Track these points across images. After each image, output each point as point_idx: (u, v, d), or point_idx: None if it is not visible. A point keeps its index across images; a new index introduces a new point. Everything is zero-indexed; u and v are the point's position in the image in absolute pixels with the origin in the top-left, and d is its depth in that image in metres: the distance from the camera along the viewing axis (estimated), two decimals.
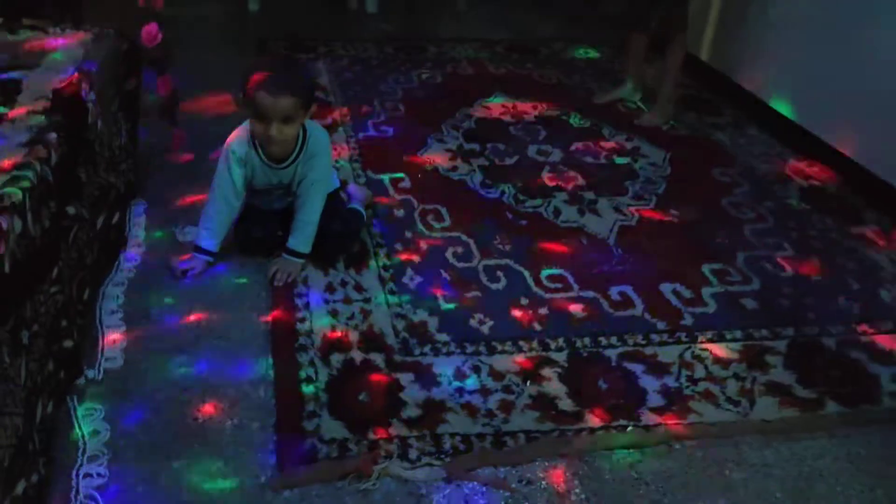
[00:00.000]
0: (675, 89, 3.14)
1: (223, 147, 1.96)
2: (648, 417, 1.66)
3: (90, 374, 1.65)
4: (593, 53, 3.86)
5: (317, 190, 2.00)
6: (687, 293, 2.08)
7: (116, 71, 2.12)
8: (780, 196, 2.63)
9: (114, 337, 1.76)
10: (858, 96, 2.67)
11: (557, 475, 1.51)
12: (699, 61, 3.58)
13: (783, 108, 3.06)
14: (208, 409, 1.60)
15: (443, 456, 1.53)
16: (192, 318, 1.85)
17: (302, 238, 2.00)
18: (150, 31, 2.01)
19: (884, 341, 1.95)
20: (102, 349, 1.72)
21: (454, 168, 2.65)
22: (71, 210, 1.64)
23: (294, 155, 1.95)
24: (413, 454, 1.52)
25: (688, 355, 1.86)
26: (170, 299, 1.90)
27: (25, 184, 1.40)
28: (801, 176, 2.78)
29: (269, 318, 1.86)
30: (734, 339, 1.92)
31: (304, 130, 1.95)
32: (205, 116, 2.79)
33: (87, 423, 1.54)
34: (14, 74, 1.84)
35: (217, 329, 1.82)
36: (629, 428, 1.63)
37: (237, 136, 1.95)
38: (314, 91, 2.01)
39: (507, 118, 3.07)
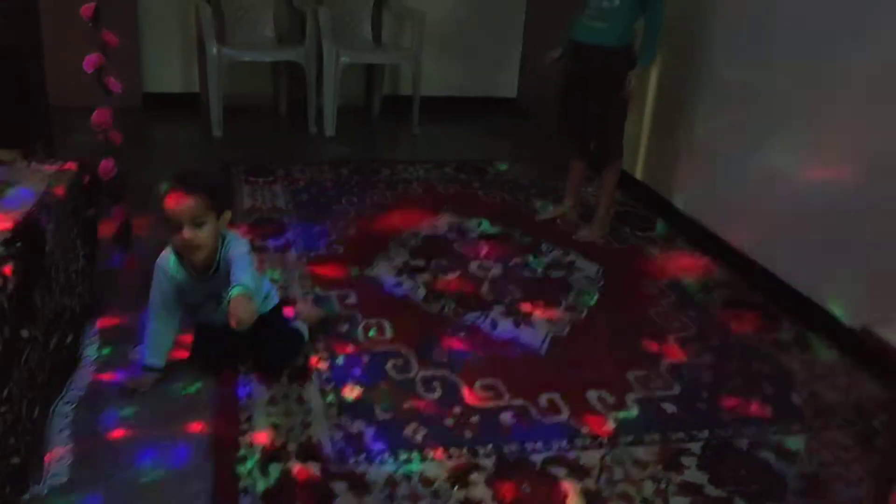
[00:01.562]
0: (610, 207, 3.38)
1: (155, 267, 2.08)
2: None
3: (34, 489, 1.73)
4: (533, 173, 4.12)
5: (239, 264, 1.98)
6: (611, 398, 2.22)
7: (77, 200, 2.28)
8: (702, 305, 2.82)
9: (60, 453, 1.85)
10: (771, 212, 2.92)
11: None
12: (634, 179, 3.84)
13: (705, 221, 3.31)
14: None
15: None
16: (138, 432, 1.94)
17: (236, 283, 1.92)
18: (107, 166, 2.19)
19: (792, 442, 2.08)
20: (49, 465, 1.80)
21: (399, 284, 2.81)
22: (24, 333, 1.76)
23: (216, 263, 2.05)
24: None
25: (608, 458, 1.97)
26: (118, 415, 2.00)
27: None
28: (726, 286, 2.98)
29: (210, 430, 1.96)
30: (653, 442, 2.05)
31: (223, 239, 2.05)
32: (160, 237, 2.95)
33: None
34: None
35: (162, 442, 1.91)
36: None
37: (164, 254, 2.07)
38: (222, 194, 2.10)
39: (452, 235, 3.27)
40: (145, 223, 2.89)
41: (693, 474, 1.94)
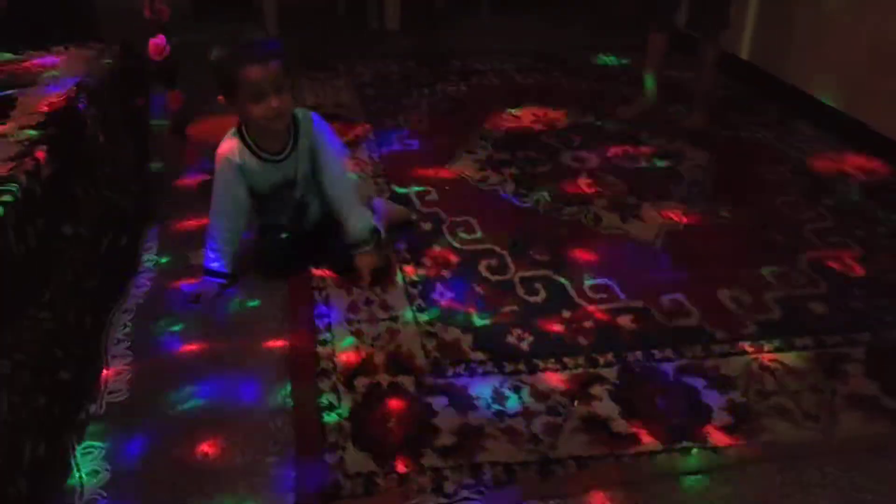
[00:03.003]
0: (714, 88, 2.95)
1: (216, 161, 1.82)
2: (715, 438, 1.46)
3: (91, 408, 1.50)
4: (622, 60, 3.69)
5: (332, 167, 1.86)
6: (747, 298, 1.88)
7: (122, 87, 2.00)
8: (839, 193, 2.42)
9: (119, 368, 1.61)
10: None
11: None
12: (739, 60, 3.39)
13: (832, 100, 2.86)
14: (219, 443, 1.43)
15: (483, 489, 1.34)
16: (204, 345, 1.70)
17: (353, 226, 1.86)
18: (158, 43, 1.90)
19: None
20: (106, 382, 1.57)
21: (484, 178, 2.48)
22: (66, 230, 1.50)
23: (290, 142, 1.82)
24: (449, 487, 1.34)
25: (755, 367, 1.65)
26: (180, 326, 1.75)
27: (7, 198, 1.26)
28: (861, 171, 2.56)
29: (286, 343, 1.70)
30: (805, 348, 1.71)
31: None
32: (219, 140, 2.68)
33: (86, 463, 1.38)
34: (9, 92, 1.73)
35: (230, 357, 1.66)
36: (694, 450, 1.43)
37: (228, 145, 1.81)
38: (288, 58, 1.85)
39: (537, 127, 2.91)
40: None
41: (861, 383, 1.60)
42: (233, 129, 1.82)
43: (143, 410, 1.51)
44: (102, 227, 1.74)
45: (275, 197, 1.87)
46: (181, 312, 1.79)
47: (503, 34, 4.15)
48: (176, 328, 1.74)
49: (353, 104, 3.09)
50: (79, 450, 1.41)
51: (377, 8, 4.21)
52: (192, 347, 1.69)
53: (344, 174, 1.90)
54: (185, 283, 1.87)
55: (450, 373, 1.62)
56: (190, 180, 2.35)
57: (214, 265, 1.85)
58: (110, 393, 1.54)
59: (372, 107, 3.05)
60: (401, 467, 1.37)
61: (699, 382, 1.60)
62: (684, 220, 2.24)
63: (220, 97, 1.73)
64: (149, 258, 2.00)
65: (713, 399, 1.56)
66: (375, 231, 1.93)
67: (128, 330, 1.73)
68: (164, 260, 2.00)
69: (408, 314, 1.80)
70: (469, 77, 3.44)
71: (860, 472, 1.39)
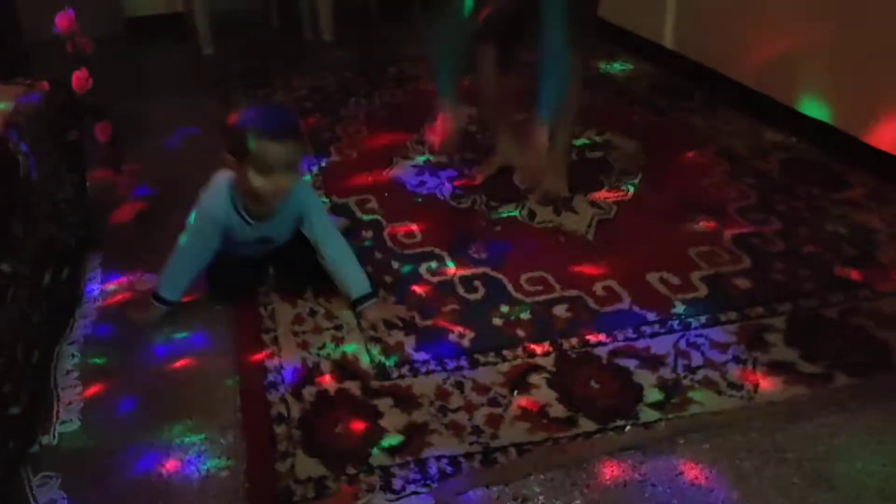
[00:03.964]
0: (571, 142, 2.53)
1: (196, 207, 1.79)
2: (647, 414, 1.54)
3: (44, 440, 1.53)
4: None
5: (327, 231, 1.87)
6: (675, 280, 1.97)
7: (54, 122, 2.02)
8: (759, 170, 2.53)
9: (69, 398, 1.65)
10: (825, 57, 2.59)
11: (555, 487, 1.39)
12: (664, 48, 3.50)
13: (750, 82, 2.98)
14: (173, 463, 1.48)
15: (429, 482, 1.41)
16: (153, 369, 1.74)
17: (355, 282, 1.86)
18: (80, 76, 1.91)
19: (887, 306, 1.84)
20: (57, 413, 1.61)
21: (422, 183, 2.55)
22: (5, 268, 1.53)
23: (278, 208, 1.80)
24: (397, 484, 1.40)
25: (683, 343, 1.74)
26: (129, 352, 1.79)
27: None
28: (780, 147, 2.68)
29: (235, 359, 1.75)
30: (729, 321, 1.81)
31: None
32: (160, 163, 2.71)
33: (43, 493, 1.42)
34: None
35: (180, 377, 1.71)
36: (627, 427, 1.51)
37: (214, 198, 1.77)
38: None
39: (472, 128, 2.98)
40: (140, 151, 2.66)
41: (782, 351, 1.70)
42: (222, 184, 1.77)
43: (95, 437, 1.54)
44: (44, 261, 1.76)
45: (246, 245, 1.88)
46: (129, 339, 1.83)
47: None
48: (126, 354, 1.78)
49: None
50: (35, 481, 1.44)
51: (311, 20, 4.25)
52: (141, 372, 1.72)
53: (338, 235, 1.89)
54: (132, 310, 1.90)
55: (394, 374, 1.68)
56: (127, 210, 2.38)
57: (166, 294, 1.86)
58: (62, 423, 1.58)
59: (310, 119, 3.09)
60: (350, 469, 1.43)
61: (631, 363, 1.69)
62: (615, 208, 2.33)
63: (226, 157, 1.70)
64: (93, 288, 2.02)
65: (645, 378, 1.64)
66: (373, 284, 1.92)
67: (76, 360, 1.76)
68: (113, 287, 2.03)
69: (352, 321, 1.85)
70: (406, 83, 3.50)
71: (782, 434, 1.49)
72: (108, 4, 4.25)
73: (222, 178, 1.79)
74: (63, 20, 1.89)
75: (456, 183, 2.51)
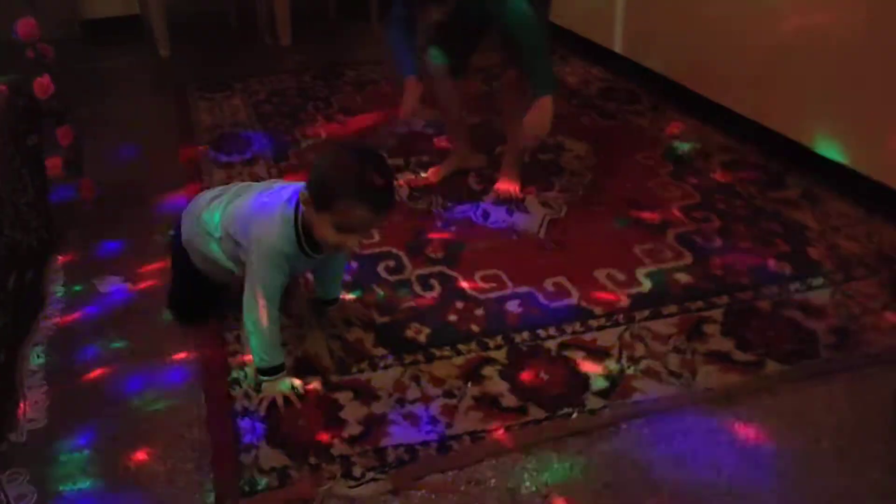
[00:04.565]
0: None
1: (261, 246, 1.61)
2: (593, 402, 1.64)
3: (12, 437, 1.57)
4: None
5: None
6: (621, 276, 2.08)
7: (14, 126, 2.05)
8: (701, 170, 2.66)
9: (36, 398, 1.69)
10: (759, 62, 2.73)
11: (505, 471, 1.48)
12: (614, 53, 3.63)
13: (696, 87, 3.11)
14: (140, 456, 1.54)
15: (387, 469, 1.48)
16: (118, 366, 1.78)
17: (333, 288, 1.92)
18: (43, 83, 1.95)
19: (816, 297, 1.97)
20: (24, 411, 1.65)
21: None
22: None
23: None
24: (357, 471, 1.48)
25: (627, 336, 1.85)
26: (93, 350, 1.83)
27: None
28: (722, 150, 2.82)
29: (198, 355, 1.81)
30: (671, 315, 1.92)
31: None
32: (118, 166, 2.75)
33: (13, 488, 1.46)
34: None
35: (145, 372, 1.76)
36: (573, 415, 1.61)
37: (280, 235, 1.61)
38: None
39: (430, 130, 3.06)
40: (99, 153, 2.69)
41: (718, 342, 1.82)
42: (285, 219, 1.61)
43: (62, 434, 1.59)
44: (7, 266, 1.80)
45: (293, 272, 1.76)
46: (93, 338, 1.87)
47: None
48: (90, 353, 1.82)
49: (250, 122, 3.17)
50: (4, 477, 1.49)
51: (269, 23, 4.29)
52: (106, 370, 1.77)
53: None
54: (94, 311, 1.94)
55: (354, 370, 1.75)
56: (87, 212, 2.42)
57: (278, 360, 1.68)
58: (30, 421, 1.62)
59: (269, 123, 3.14)
60: (312, 458, 1.51)
61: (579, 354, 1.79)
62: (565, 208, 2.44)
63: (303, 195, 1.56)
64: (57, 289, 2.06)
65: (591, 368, 1.74)
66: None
67: (41, 361, 1.80)
68: (77, 288, 2.07)
69: (312, 320, 1.92)
70: (363, 87, 3.57)
71: (717, 418, 1.60)
72: (63, 6, 4.25)
73: (282, 212, 1.62)
74: (24, 27, 1.93)
75: (438, 178, 2.61)
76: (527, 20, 2.11)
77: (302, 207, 1.59)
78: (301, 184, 1.64)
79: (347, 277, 2.08)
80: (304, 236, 1.62)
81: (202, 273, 1.85)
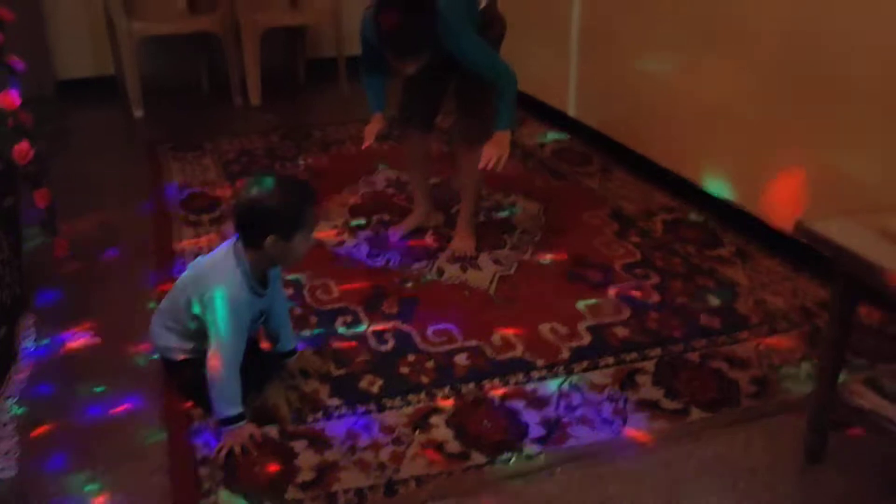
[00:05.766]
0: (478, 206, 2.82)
1: (215, 298, 1.72)
2: (530, 448, 1.77)
3: None
4: None
5: (279, 290, 1.99)
6: (563, 329, 2.23)
7: None
8: (644, 230, 2.84)
9: (7, 447, 1.78)
10: (699, 128, 2.95)
11: None
12: (567, 116, 3.85)
13: (642, 150, 3.32)
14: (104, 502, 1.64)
15: None
16: (86, 420, 1.89)
17: (287, 339, 2.04)
18: (22, 149, 2.08)
19: (741, 350, 2.13)
20: None
21: (341, 242, 2.77)
22: None
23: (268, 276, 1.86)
24: None
25: (566, 386, 1.99)
26: (62, 406, 1.93)
27: None
28: (664, 209, 3.01)
29: (162, 405, 1.91)
30: (607, 366, 2.07)
31: None
32: (92, 224, 2.87)
33: None
34: None
35: (111, 423, 1.86)
36: (512, 460, 1.74)
37: (231, 281, 1.74)
38: None
39: (391, 190, 3.22)
40: (72, 213, 2.81)
41: (649, 391, 1.97)
42: (232, 266, 1.75)
43: (32, 484, 1.69)
44: None
45: (252, 324, 1.86)
46: (62, 395, 1.98)
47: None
48: (62, 408, 1.93)
49: (220, 181, 3.32)
50: None
51: (240, 85, 4.46)
52: (76, 424, 1.87)
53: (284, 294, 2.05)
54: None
55: (310, 419, 1.87)
56: (60, 271, 2.53)
57: (234, 411, 1.77)
58: (0, 470, 1.71)
59: (237, 183, 3.29)
60: (267, 503, 1.62)
61: (520, 405, 1.92)
62: (515, 264, 2.60)
63: (269, 240, 1.71)
64: (28, 345, 2.16)
65: (531, 417, 1.88)
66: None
67: (12, 413, 1.90)
68: (45, 342, 2.17)
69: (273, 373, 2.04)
70: (329, 147, 3.74)
71: (645, 462, 1.74)
72: (39, 66, 4.38)
73: (227, 262, 1.76)
74: (6, 99, 2.06)
75: (400, 235, 2.79)
76: (495, 62, 2.37)
77: (244, 256, 1.76)
78: (228, 241, 1.82)
79: (306, 332, 2.20)
80: (250, 280, 1.78)
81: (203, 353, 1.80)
